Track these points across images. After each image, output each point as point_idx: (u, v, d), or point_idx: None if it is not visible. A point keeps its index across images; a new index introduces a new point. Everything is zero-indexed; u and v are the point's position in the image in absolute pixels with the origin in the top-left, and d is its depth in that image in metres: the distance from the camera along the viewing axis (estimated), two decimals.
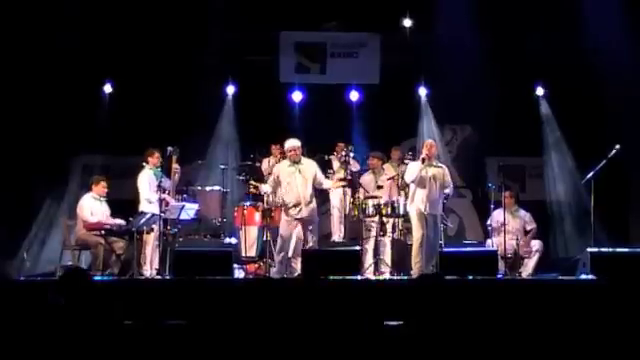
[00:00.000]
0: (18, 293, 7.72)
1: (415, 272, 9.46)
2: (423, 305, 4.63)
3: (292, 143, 9.77)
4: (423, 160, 9.69)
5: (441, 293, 4.67)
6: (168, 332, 4.91)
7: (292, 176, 9.65)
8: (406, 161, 10.51)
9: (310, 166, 9.81)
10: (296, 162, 9.71)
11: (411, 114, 12.68)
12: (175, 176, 10.14)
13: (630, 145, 10.35)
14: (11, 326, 4.69)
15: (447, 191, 10.00)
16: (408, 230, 10.11)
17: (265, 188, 10.02)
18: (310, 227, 9.67)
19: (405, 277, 9.43)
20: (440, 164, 9.98)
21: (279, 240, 9.70)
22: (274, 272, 9.67)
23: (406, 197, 10.03)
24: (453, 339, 4.52)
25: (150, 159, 10.12)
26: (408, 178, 9.86)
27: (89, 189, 10.32)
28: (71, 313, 4.58)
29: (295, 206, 9.59)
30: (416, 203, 9.73)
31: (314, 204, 9.75)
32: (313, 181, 9.69)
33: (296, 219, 9.62)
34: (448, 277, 8.42)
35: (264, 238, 10.34)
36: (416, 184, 9.73)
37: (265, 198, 10.39)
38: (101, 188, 10.25)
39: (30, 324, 4.60)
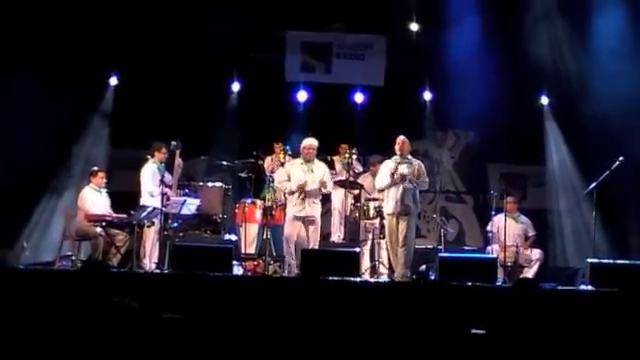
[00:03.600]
0: (17, 281, 7.77)
1: (398, 273, 9.43)
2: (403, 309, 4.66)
3: (309, 141, 9.84)
4: (399, 155, 9.57)
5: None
6: (165, 325, 4.92)
7: (304, 174, 9.69)
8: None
9: (321, 167, 9.86)
10: (309, 161, 9.75)
11: (415, 117, 12.69)
12: (178, 170, 10.14)
13: (632, 157, 10.31)
14: (11, 314, 4.69)
15: (422, 186, 9.71)
16: None
17: (287, 185, 9.79)
18: (312, 227, 9.69)
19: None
20: (413, 160, 9.77)
21: (284, 242, 9.72)
22: (285, 274, 9.62)
23: None
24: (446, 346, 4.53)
25: (157, 154, 10.12)
26: (378, 185, 9.74)
27: (88, 181, 10.33)
28: (90, 304, 4.58)
29: (299, 204, 9.63)
30: (389, 205, 9.58)
31: (318, 205, 9.81)
32: (321, 183, 9.69)
33: (298, 217, 9.63)
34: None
35: (264, 236, 10.33)
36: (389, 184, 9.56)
37: (267, 196, 10.40)
38: (99, 179, 10.26)
39: (36, 313, 4.60)
